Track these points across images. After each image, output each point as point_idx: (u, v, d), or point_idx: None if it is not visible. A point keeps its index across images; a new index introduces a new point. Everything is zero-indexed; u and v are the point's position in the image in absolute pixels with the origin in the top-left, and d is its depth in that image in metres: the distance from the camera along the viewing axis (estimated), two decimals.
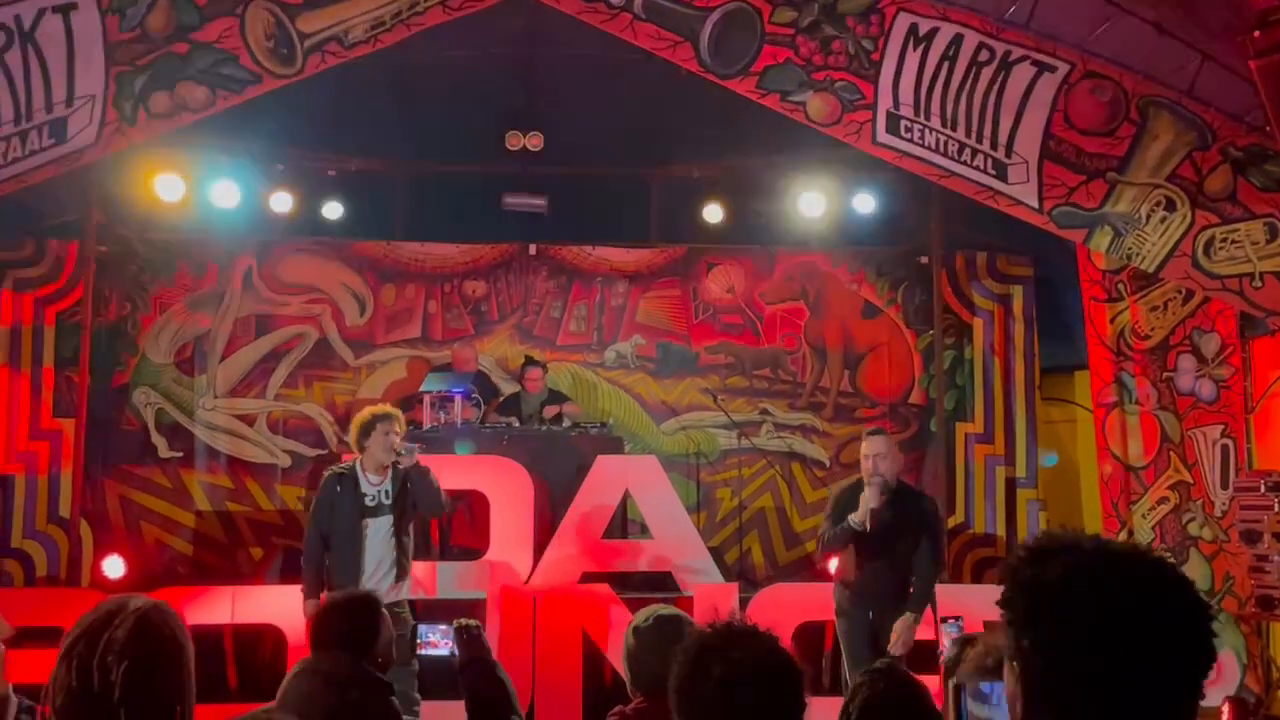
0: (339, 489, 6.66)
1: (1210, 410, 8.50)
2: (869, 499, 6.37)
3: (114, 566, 8.94)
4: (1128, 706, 1.46)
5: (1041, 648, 1.51)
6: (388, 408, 6.91)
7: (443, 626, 4.09)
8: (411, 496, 6.74)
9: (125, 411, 10.11)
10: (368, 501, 6.65)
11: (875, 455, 6.50)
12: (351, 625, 4.02)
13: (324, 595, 5.99)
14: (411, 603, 7.00)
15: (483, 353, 10.55)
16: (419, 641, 4.26)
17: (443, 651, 3.94)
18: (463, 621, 3.69)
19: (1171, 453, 8.68)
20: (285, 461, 10.26)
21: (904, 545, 6.43)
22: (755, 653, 2.40)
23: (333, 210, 10.20)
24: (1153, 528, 8.72)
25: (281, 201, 9.98)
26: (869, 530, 6.38)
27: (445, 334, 10.55)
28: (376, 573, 6.60)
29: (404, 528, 6.77)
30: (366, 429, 6.68)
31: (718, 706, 2.34)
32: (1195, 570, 8.47)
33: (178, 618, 2.41)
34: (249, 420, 10.30)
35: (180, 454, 10.15)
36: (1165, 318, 8.75)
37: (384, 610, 4.15)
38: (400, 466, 6.69)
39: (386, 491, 6.69)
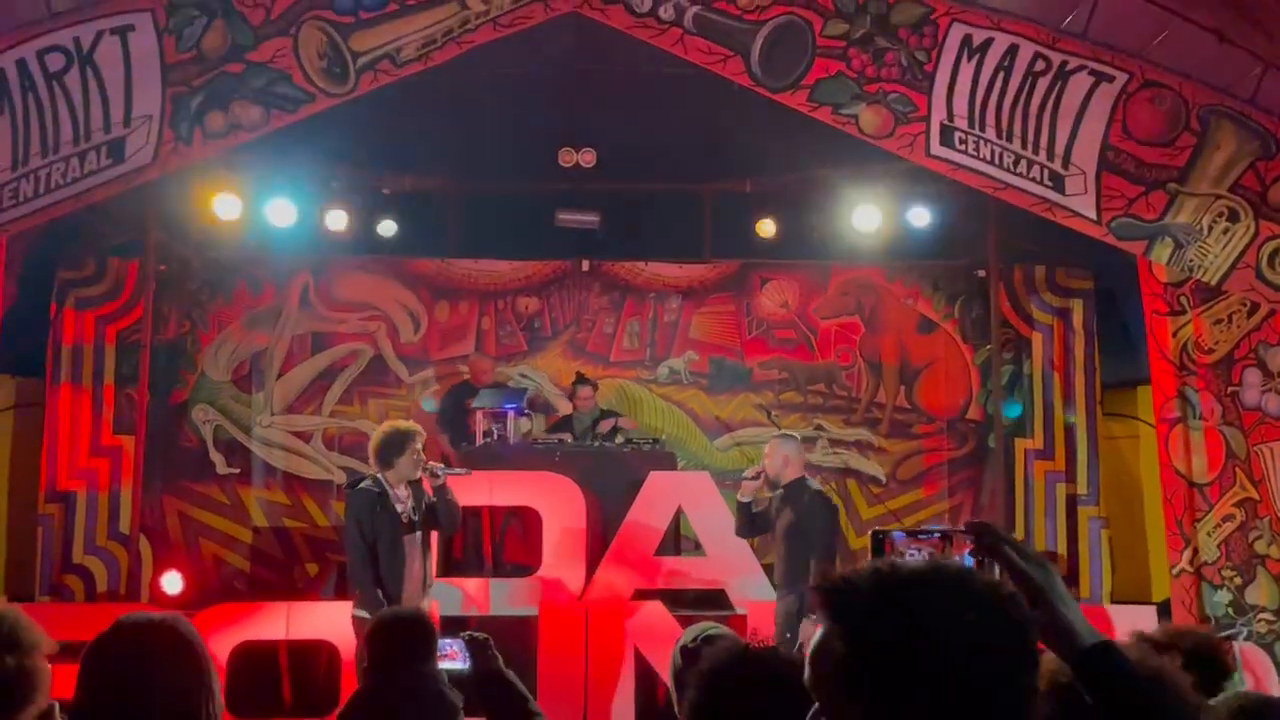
0: (379, 507, 6.57)
1: (1277, 425, 8.30)
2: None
3: (172, 582, 9.02)
4: None
5: None
6: (414, 424, 6.88)
7: (452, 641, 4.10)
8: (437, 513, 6.73)
9: (184, 428, 10.23)
10: (403, 519, 6.63)
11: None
12: (414, 640, 4.04)
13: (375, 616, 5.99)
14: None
15: (536, 369, 10.56)
16: (438, 654, 4.27)
17: (459, 664, 3.94)
18: (472, 633, 3.70)
19: (1237, 469, 8.48)
20: (340, 478, 10.28)
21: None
22: (771, 675, 2.28)
23: (387, 228, 10.28)
24: (1218, 546, 8.52)
25: (336, 219, 10.06)
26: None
27: (499, 350, 10.57)
28: (415, 588, 6.60)
29: (428, 544, 6.77)
30: (399, 445, 6.57)
31: None
32: (1263, 589, 8.27)
33: (194, 629, 2.46)
34: (305, 437, 10.38)
35: (237, 470, 10.25)
36: (1230, 331, 8.56)
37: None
38: (434, 485, 6.68)
39: (414, 508, 6.68)
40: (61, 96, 7.09)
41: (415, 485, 6.69)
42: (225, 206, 9.55)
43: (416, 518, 6.64)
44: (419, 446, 6.65)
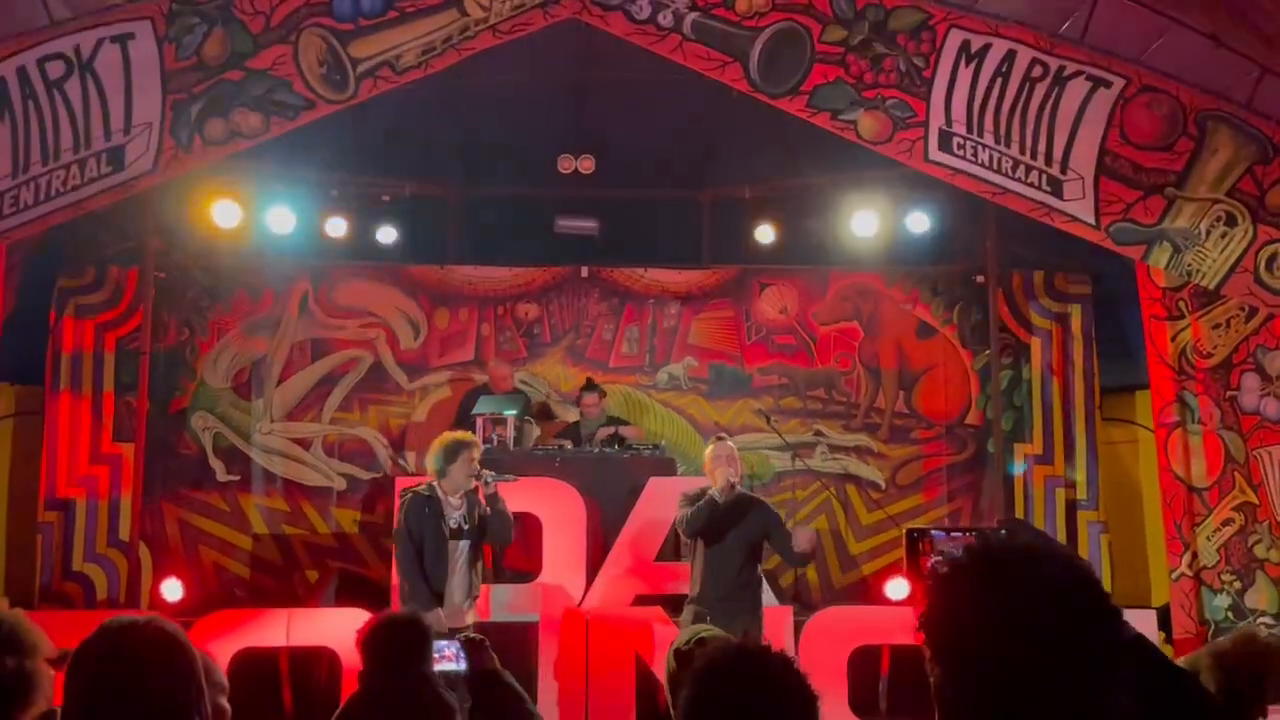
0: (427, 510, 6.70)
1: (1275, 429, 8.31)
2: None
3: (172, 590, 9.01)
4: None
5: None
6: (470, 435, 7.03)
7: (449, 642, 4.13)
8: (488, 524, 6.79)
9: (183, 436, 10.21)
10: (452, 525, 6.70)
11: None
12: (409, 642, 4.05)
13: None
14: None
15: (536, 375, 10.57)
16: (434, 656, 4.29)
17: (456, 665, 3.96)
18: (469, 635, 3.71)
19: (1236, 473, 8.50)
20: (341, 485, 10.31)
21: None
22: (764, 676, 2.26)
23: (386, 235, 10.27)
24: (1217, 550, 8.53)
25: (336, 226, 10.06)
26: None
27: (498, 357, 10.57)
28: (457, 595, 6.65)
29: (478, 553, 6.84)
30: (452, 453, 6.72)
31: None
32: (1262, 593, 8.28)
33: (179, 629, 2.49)
34: (305, 444, 10.37)
35: (237, 478, 10.24)
36: (1228, 335, 8.58)
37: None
38: (486, 493, 6.76)
39: (464, 516, 6.74)
40: (62, 104, 7.11)
41: (471, 495, 6.78)
42: (225, 214, 9.56)
43: (467, 526, 6.70)
44: (474, 456, 6.75)
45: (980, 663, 1.49)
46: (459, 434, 6.98)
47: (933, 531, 1.79)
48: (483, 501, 6.78)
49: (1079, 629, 1.49)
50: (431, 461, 6.81)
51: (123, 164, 7.22)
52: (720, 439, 7.27)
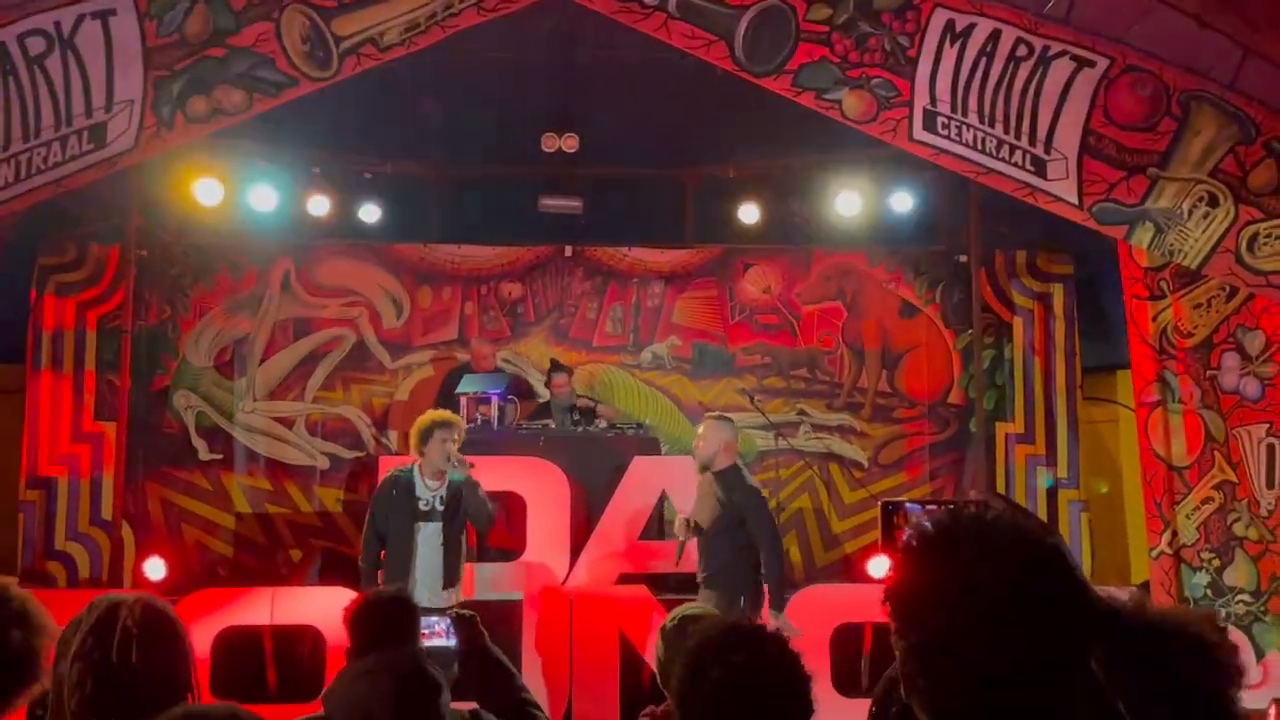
0: (394, 491, 6.71)
1: (1255, 409, 8.37)
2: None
3: (155, 568, 8.99)
4: None
5: None
6: (449, 415, 6.99)
7: (439, 618, 4.13)
8: (463, 507, 6.78)
9: (166, 415, 10.19)
10: (421, 505, 6.69)
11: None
12: (396, 618, 4.05)
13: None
14: None
15: (519, 354, 10.56)
16: (424, 632, 4.29)
17: (446, 642, 3.97)
18: (460, 611, 3.71)
19: (1216, 452, 8.55)
20: (324, 464, 10.31)
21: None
22: (756, 655, 2.28)
23: (369, 213, 10.23)
24: (1197, 528, 8.60)
25: (319, 205, 10.02)
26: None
27: (481, 336, 10.56)
28: (426, 576, 6.63)
29: (454, 535, 6.79)
30: (425, 434, 6.73)
31: (714, 711, 2.23)
32: (1241, 570, 8.35)
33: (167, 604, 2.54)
34: (288, 423, 10.36)
35: (220, 456, 10.22)
36: (1209, 315, 8.62)
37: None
38: (456, 477, 6.74)
39: (441, 498, 6.72)
40: (42, 81, 7.04)
41: (453, 477, 6.76)
42: (207, 192, 9.52)
43: (441, 507, 6.67)
44: (451, 438, 6.71)
45: (940, 634, 1.49)
46: (437, 414, 6.95)
47: (907, 504, 1.80)
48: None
49: (1040, 602, 1.47)
50: (412, 442, 6.83)
51: (104, 141, 7.16)
52: (723, 419, 7.22)
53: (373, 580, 6.62)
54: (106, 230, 9.85)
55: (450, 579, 6.73)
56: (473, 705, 3.50)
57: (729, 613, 6.24)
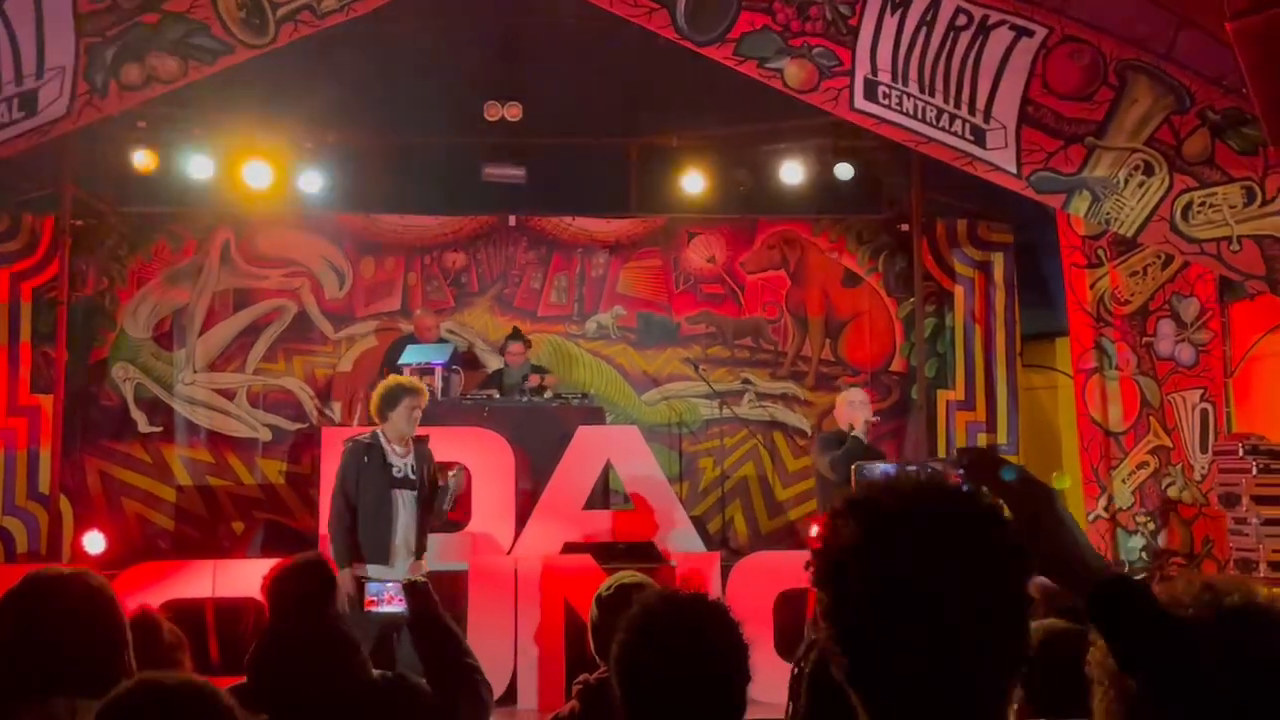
0: (366, 459, 6.56)
1: (1189, 375, 8.53)
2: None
3: (94, 542, 8.89)
4: None
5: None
6: (415, 381, 6.89)
7: (390, 584, 4.12)
8: (435, 494, 6.77)
9: (104, 387, 10.06)
10: (395, 473, 6.58)
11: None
12: (313, 585, 4.03)
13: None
14: None
15: (464, 324, 10.52)
16: (369, 599, 4.28)
17: (398, 608, 3.97)
18: (411, 578, 3.72)
19: (1151, 417, 8.71)
20: (266, 435, 10.22)
21: None
22: (696, 626, 2.30)
23: (310, 182, 10.10)
24: (1132, 492, 8.76)
25: (259, 174, 9.88)
26: None
27: (425, 306, 10.50)
28: (402, 546, 6.56)
29: (426, 507, 6.73)
30: (392, 400, 6.60)
31: (656, 678, 2.25)
32: (1175, 533, 8.52)
33: (105, 581, 2.52)
34: (229, 394, 10.26)
35: (160, 429, 10.11)
36: (1145, 283, 8.76)
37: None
38: (442, 484, 6.76)
39: (411, 466, 6.63)
40: None
41: (419, 447, 6.70)
42: (143, 160, 9.37)
43: (414, 477, 6.62)
44: (417, 405, 6.63)
45: (856, 587, 1.45)
46: (403, 379, 6.88)
47: (880, 467, 1.79)
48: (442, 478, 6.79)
49: (959, 564, 1.42)
50: (374, 407, 6.72)
51: (35, 108, 7.04)
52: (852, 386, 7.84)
53: (350, 549, 6.43)
54: (41, 200, 9.66)
55: (420, 551, 6.68)
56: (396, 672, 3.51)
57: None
